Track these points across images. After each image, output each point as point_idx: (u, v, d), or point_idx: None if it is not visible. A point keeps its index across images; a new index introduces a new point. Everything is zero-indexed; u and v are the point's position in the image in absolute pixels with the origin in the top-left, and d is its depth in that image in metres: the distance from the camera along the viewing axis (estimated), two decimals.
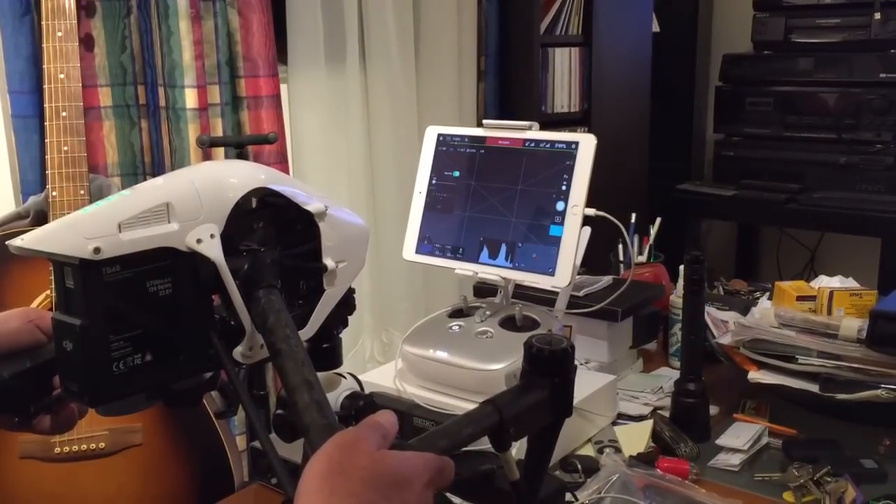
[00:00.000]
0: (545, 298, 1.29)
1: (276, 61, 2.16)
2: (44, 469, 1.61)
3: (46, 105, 1.63)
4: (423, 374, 1.22)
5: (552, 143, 1.21)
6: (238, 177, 0.70)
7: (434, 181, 1.31)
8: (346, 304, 0.79)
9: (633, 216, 1.79)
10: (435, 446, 0.61)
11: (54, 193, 1.61)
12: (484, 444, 0.68)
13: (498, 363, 1.14)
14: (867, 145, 2.75)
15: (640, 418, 1.33)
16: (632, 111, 3.07)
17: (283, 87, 2.27)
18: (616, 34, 2.98)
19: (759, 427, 1.26)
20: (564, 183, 1.18)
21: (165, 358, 0.65)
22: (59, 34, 1.62)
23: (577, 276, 1.31)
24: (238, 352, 0.69)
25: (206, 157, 1.97)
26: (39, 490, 1.61)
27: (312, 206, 0.73)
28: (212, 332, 0.67)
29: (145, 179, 1.84)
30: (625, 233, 1.29)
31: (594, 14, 2.88)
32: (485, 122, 1.30)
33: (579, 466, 1.16)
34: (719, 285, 1.94)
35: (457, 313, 1.28)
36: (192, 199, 0.65)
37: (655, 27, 3.13)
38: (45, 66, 1.63)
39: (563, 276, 1.17)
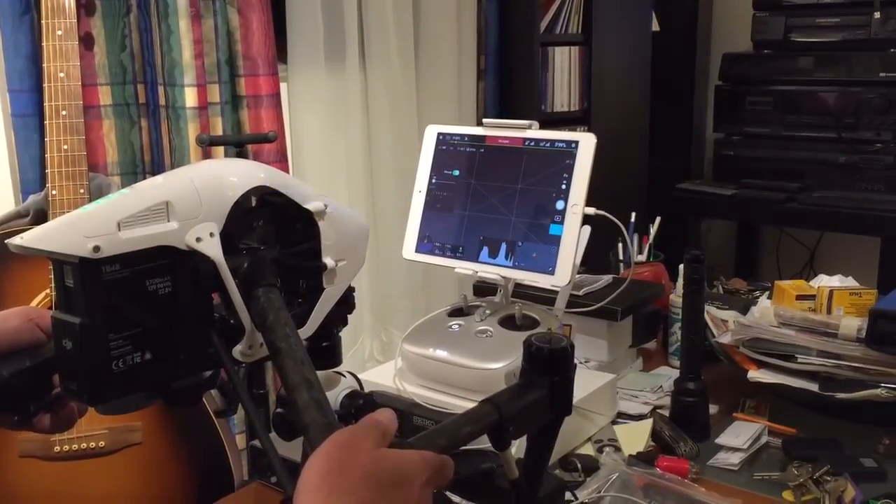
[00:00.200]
0: (545, 297, 1.29)
1: (276, 60, 2.16)
2: (44, 468, 1.61)
3: (46, 104, 1.63)
4: (422, 373, 1.22)
5: (552, 142, 1.21)
6: (237, 175, 0.70)
7: (434, 180, 1.31)
8: (346, 303, 0.79)
9: (633, 215, 1.79)
10: (434, 445, 0.61)
11: (54, 192, 1.61)
12: (484, 442, 0.68)
13: (497, 362, 1.14)
14: (867, 144, 2.75)
15: (640, 417, 1.33)
16: (631, 110, 3.07)
17: (283, 86, 2.27)
18: (616, 33, 2.98)
19: (759, 426, 1.26)
20: (564, 182, 1.18)
21: (165, 356, 0.65)
22: (59, 33, 1.62)
23: (577, 276, 1.31)
24: (238, 350, 0.69)
25: (206, 155, 1.97)
26: (39, 489, 1.61)
27: (312, 205, 0.73)
28: (211, 330, 0.67)
29: (145, 178, 1.84)
30: (624, 232, 1.29)
31: (594, 13, 2.88)
32: (485, 121, 1.30)
33: (579, 465, 1.16)
34: (719, 284, 1.94)
35: (456, 312, 1.28)
36: (191, 198, 0.65)
37: (655, 26, 3.13)
38: (44, 65, 1.62)
39: (562, 275, 1.17)
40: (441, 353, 1.18)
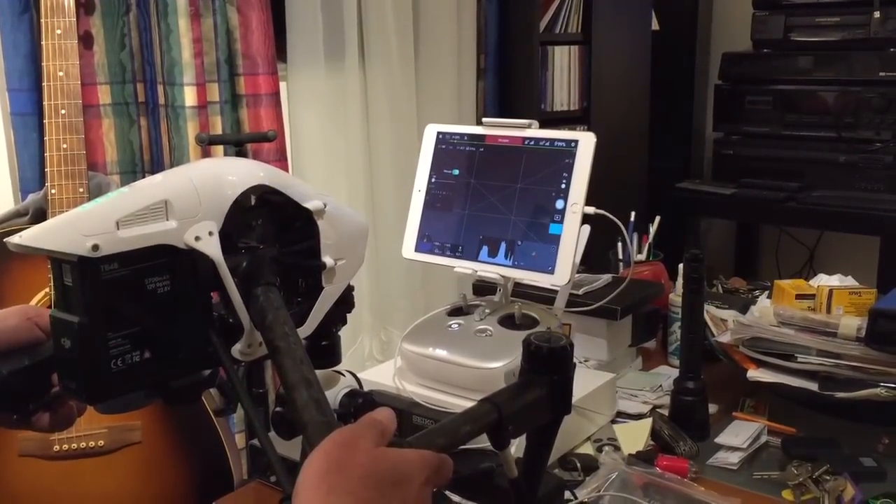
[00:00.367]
0: (544, 297, 1.29)
1: (276, 59, 2.16)
2: (43, 467, 1.60)
3: (45, 103, 1.62)
4: (422, 372, 1.22)
5: (551, 141, 1.21)
6: (237, 174, 0.70)
7: (433, 179, 1.31)
8: (345, 302, 0.78)
9: (633, 214, 1.79)
10: (433, 444, 0.61)
11: (53, 191, 1.61)
12: (483, 441, 0.68)
13: (497, 361, 1.14)
14: (866, 144, 2.75)
15: (640, 417, 1.33)
16: (631, 109, 3.07)
17: (283, 85, 2.27)
18: (615, 32, 2.98)
19: (758, 425, 1.26)
20: (564, 181, 1.18)
21: (164, 355, 0.65)
22: (58, 32, 1.62)
23: (577, 275, 1.31)
24: (237, 349, 0.69)
25: (206, 154, 1.97)
26: (39, 487, 1.61)
27: (311, 204, 0.73)
28: (210, 329, 0.67)
29: (144, 177, 1.84)
30: (624, 231, 1.29)
31: (594, 12, 2.88)
32: (484, 120, 1.30)
33: (578, 465, 1.16)
34: (718, 284, 1.94)
35: (456, 311, 1.28)
36: (190, 197, 0.65)
37: (655, 25, 3.13)
38: (44, 64, 1.62)
39: (562, 274, 1.17)
40: (440, 353, 1.18)
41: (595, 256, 1.47)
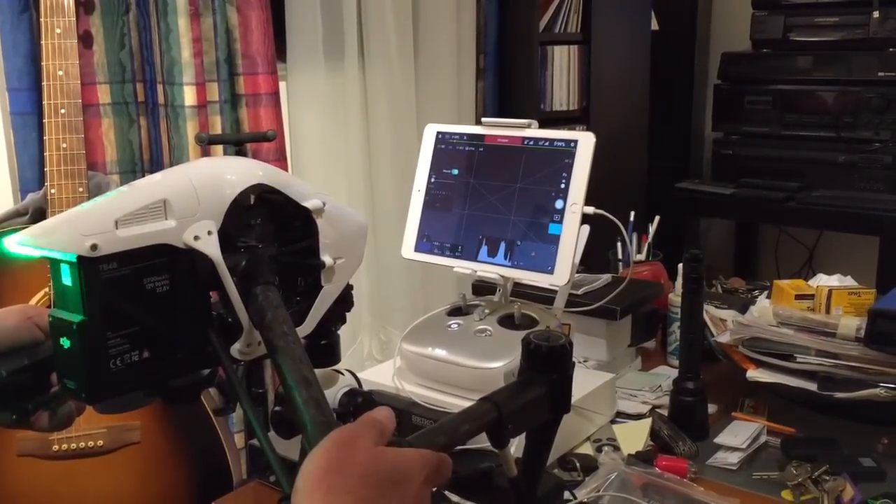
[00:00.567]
0: (544, 297, 1.29)
1: (275, 59, 2.16)
2: (42, 466, 1.60)
3: (45, 102, 1.62)
4: (421, 372, 1.22)
5: (551, 141, 1.21)
6: (235, 173, 0.70)
7: (433, 179, 1.31)
8: (344, 301, 0.78)
9: (632, 214, 1.79)
10: (433, 443, 0.61)
11: (53, 191, 1.61)
12: (482, 442, 0.68)
13: (496, 361, 1.14)
14: (866, 144, 2.75)
15: (639, 417, 1.33)
16: (631, 109, 3.07)
17: (282, 85, 2.27)
18: (615, 32, 2.98)
19: (758, 426, 1.26)
20: (563, 181, 1.18)
21: (163, 355, 0.65)
22: (58, 31, 1.62)
23: (576, 275, 1.31)
24: (236, 348, 0.69)
25: (205, 154, 1.96)
26: (38, 487, 1.61)
27: (310, 203, 0.73)
28: (209, 328, 0.67)
29: (144, 177, 1.84)
30: (623, 231, 1.29)
31: (593, 12, 2.88)
32: (484, 120, 1.30)
33: (578, 465, 1.16)
34: (718, 284, 1.94)
35: (455, 311, 1.28)
36: (189, 196, 0.65)
37: (654, 25, 3.13)
38: (43, 64, 1.62)
39: (561, 274, 1.17)
40: (440, 353, 1.18)
41: (594, 256, 1.47)
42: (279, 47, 2.26)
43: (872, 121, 2.74)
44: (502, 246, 1.22)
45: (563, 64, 2.88)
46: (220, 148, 1.97)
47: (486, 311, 1.24)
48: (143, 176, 2.04)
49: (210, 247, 0.65)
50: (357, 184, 2.52)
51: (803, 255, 3.24)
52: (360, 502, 0.52)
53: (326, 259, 0.74)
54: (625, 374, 1.48)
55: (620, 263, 1.79)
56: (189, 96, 1.98)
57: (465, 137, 1.29)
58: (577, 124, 2.90)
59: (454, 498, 0.85)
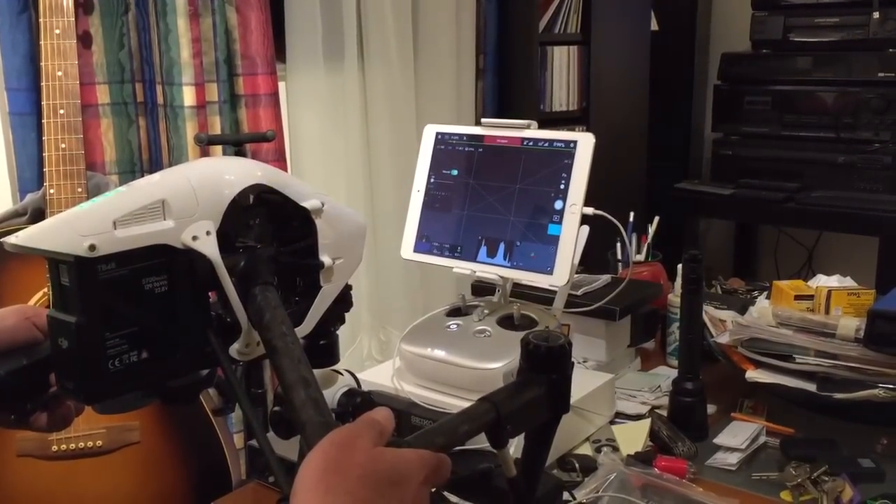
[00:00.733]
0: (543, 297, 1.29)
1: (275, 59, 2.16)
2: (41, 467, 1.60)
3: (44, 102, 1.62)
4: (420, 372, 1.22)
5: (550, 141, 1.21)
6: (234, 173, 0.70)
7: (432, 180, 1.31)
8: (343, 301, 0.78)
9: (632, 215, 1.79)
10: (432, 443, 0.60)
11: (52, 191, 1.61)
12: (481, 442, 0.68)
13: (496, 362, 1.14)
14: (865, 144, 2.75)
15: (638, 417, 1.33)
16: (630, 110, 3.07)
17: (282, 85, 2.27)
18: (615, 33, 2.98)
19: (757, 426, 1.26)
20: (563, 182, 1.18)
21: (162, 355, 0.65)
22: (57, 31, 1.62)
23: (576, 275, 1.31)
24: (234, 349, 0.69)
25: (204, 155, 1.96)
26: (37, 488, 1.61)
27: (309, 203, 0.73)
28: (208, 329, 0.67)
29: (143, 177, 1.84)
30: (623, 232, 1.29)
31: (593, 12, 2.88)
32: (483, 120, 1.30)
33: (577, 465, 1.16)
34: (717, 284, 1.94)
35: (455, 312, 1.28)
36: (187, 196, 0.65)
37: (654, 26, 3.13)
38: (42, 64, 1.62)
39: (561, 274, 1.17)
40: (439, 353, 1.18)
41: (594, 257, 1.47)
42: (279, 48, 2.26)
43: (872, 121, 2.74)
44: (501, 246, 1.22)
45: (562, 64, 2.88)
46: (219, 148, 1.97)
47: (486, 311, 1.24)
48: (143, 176, 2.04)
49: (209, 247, 0.65)
50: (356, 184, 2.52)
51: (803, 255, 3.24)
52: (358, 503, 0.52)
53: (325, 259, 0.74)
54: (624, 374, 1.48)
55: (620, 264, 1.79)
56: (188, 97, 1.98)
57: (464, 138, 1.29)
58: (577, 125, 2.90)
59: (453, 498, 0.85)
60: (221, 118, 2.08)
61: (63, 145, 1.61)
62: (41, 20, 1.63)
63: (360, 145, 2.51)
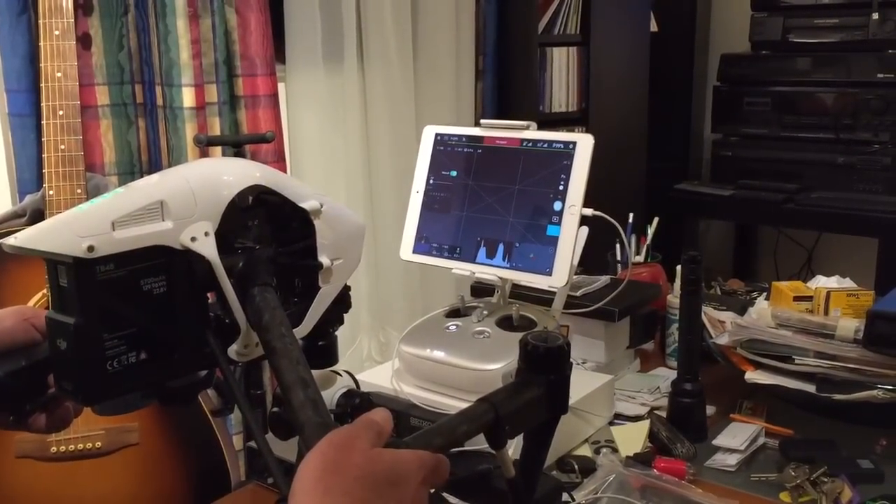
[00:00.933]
0: (542, 298, 1.29)
1: (274, 60, 2.16)
2: (40, 468, 1.60)
3: (43, 104, 1.62)
4: (419, 373, 1.22)
5: (550, 142, 1.21)
6: (233, 174, 0.70)
7: (431, 181, 1.31)
8: (342, 302, 0.78)
9: (631, 216, 1.78)
10: (430, 444, 0.60)
11: (51, 192, 1.61)
12: (480, 443, 0.68)
13: (495, 363, 1.14)
14: (865, 145, 2.75)
15: (637, 418, 1.33)
16: (630, 111, 3.07)
17: (281, 86, 2.27)
18: (614, 34, 2.98)
19: (756, 427, 1.26)
20: (562, 183, 1.18)
21: (160, 356, 0.65)
22: (57, 33, 1.62)
23: (575, 276, 1.31)
24: (233, 350, 0.69)
25: (204, 155, 1.96)
26: (36, 489, 1.60)
27: (308, 204, 0.73)
28: (207, 330, 0.67)
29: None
30: (622, 233, 1.29)
31: (592, 13, 2.88)
32: (482, 121, 1.30)
33: (576, 466, 1.16)
34: (717, 285, 1.94)
35: (454, 313, 1.28)
36: (186, 197, 0.65)
37: (654, 27, 3.13)
38: (42, 65, 1.62)
39: (560, 275, 1.17)
40: (438, 354, 1.18)
41: (593, 258, 1.47)
42: (278, 49, 2.26)
43: (871, 122, 2.75)
44: (501, 247, 1.22)
45: (562, 65, 2.88)
46: (218, 149, 1.97)
47: (485, 312, 1.24)
48: (142, 177, 2.04)
49: (207, 248, 0.65)
50: (356, 185, 2.52)
51: (802, 256, 3.24)
52: (357, 503, 0.52)
53: (324, 260, 0.74)
54: (623, 375, 1.48)
55: (619, 265, 1.79)
56: (188, 98, 1.98)
57: (463, 139, 1.29)
58: (577, 126, 2.90)
59: (452, 499, 0.85)
60: (221, 119, 2.08)
61: (62, 146, 1.61)
62: (41, 21, 1.63)
63: (359, 146, 2.51)
